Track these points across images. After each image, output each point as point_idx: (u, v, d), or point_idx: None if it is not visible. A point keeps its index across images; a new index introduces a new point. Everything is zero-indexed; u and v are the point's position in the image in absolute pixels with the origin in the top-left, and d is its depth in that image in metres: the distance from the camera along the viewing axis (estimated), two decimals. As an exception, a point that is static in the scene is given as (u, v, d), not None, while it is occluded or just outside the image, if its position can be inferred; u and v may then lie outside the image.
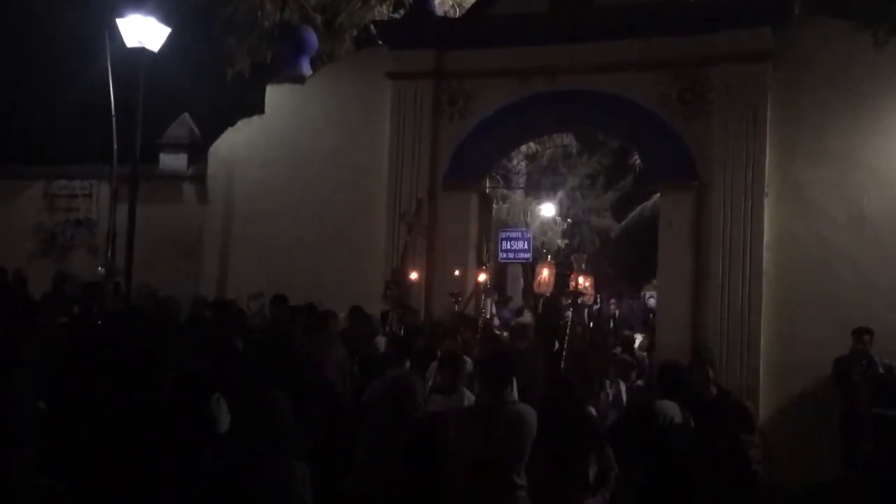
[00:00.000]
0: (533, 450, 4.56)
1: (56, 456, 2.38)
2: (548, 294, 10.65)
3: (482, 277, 8.84)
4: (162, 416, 3.11)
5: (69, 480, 2.10)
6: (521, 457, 4.54)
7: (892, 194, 8.55)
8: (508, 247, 16.36)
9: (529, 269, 17.78)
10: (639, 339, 10.69)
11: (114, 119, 11.47)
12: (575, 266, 9.37)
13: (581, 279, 9.15)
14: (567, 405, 4.74)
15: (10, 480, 1.99)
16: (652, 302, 20.14)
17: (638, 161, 17.68)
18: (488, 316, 10.55)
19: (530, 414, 4.57)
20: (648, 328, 10.49)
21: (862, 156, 8.67)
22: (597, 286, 11.36)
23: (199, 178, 11.45)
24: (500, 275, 11.19)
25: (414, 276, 9.11)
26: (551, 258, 11.95)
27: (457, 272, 9.04)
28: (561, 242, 21.90)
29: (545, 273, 10.45)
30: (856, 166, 8.67)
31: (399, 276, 9.17)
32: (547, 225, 21.15)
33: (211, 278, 10.89)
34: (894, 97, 8.60)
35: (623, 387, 6.85)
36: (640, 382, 7.85)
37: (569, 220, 22.10)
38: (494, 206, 15.46)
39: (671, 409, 5.51)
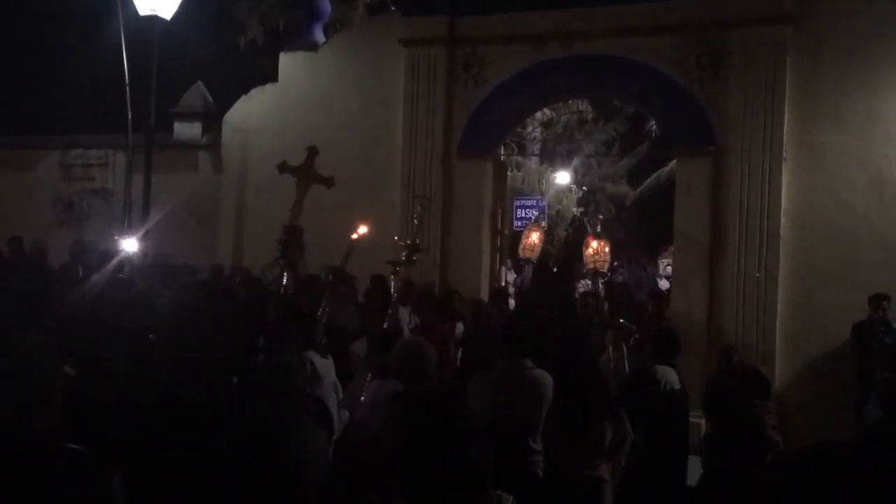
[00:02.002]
0: (549, 415, 4.58)
1: (80, 420, 2.40)
2: (534, 259, 10.09)
3: (362, 230, 7.52)
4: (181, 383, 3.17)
5: (92, 444, 2.12)
6: (537, 422, 4.57)
7: (913, 159, 8.44)
8: (523, 214, 16.35)
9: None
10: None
11: (127, 88, 11.45)
12: (590, 229, 9.10)
13: (595, 244, 8.70)
14: (584, 371, 4.75)
15: (38, 444, 2.01)
16: (668, 269, 20.16)
17: (654, 127, 17.55)
18: (503, 283, 10.56)
19: (547, 379, 4.59)
20: (653, 297, 10.04)
21: (882, 121, 8.55)
22: (614, 252, 10.46)
23: (214, 147, 11.46)
24: (515, 242, 10.84)
25: (357, 233, 7.65)
26: (545, 224, 11.34)
27: (406, 241, 7.88)
28: (576, 210, 21.81)
29: (533, 237, 9.78)
30: (876, 131, 8.56)
31: (293, 234, 7.90)
32: (562, 193, 21.05)
33: (227, 247, 10.94)
34: (916, 61, 8.46)
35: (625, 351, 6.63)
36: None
37: (584, 187, 21.98)
38: (509, 173, 15.42)
39: (669, 374, 5.56)
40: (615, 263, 20.02)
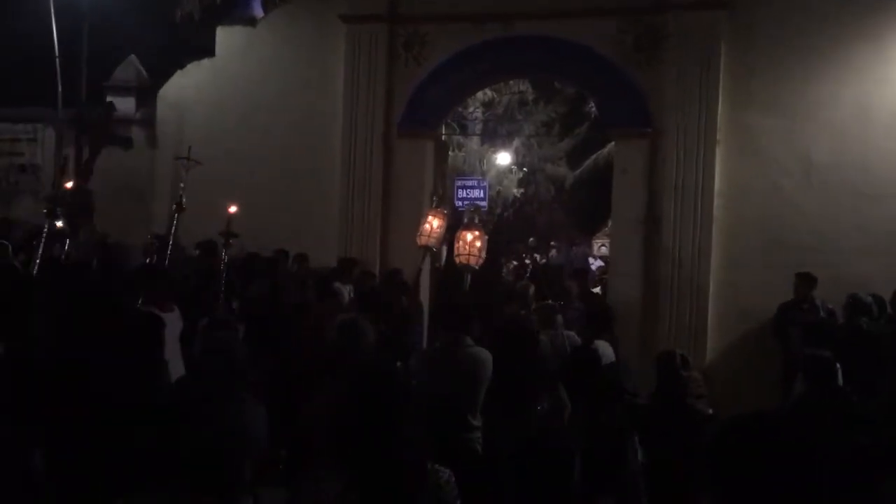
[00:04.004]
0: (488, 392, 4.64)
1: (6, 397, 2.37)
2: (432, 247, 8.68)
3: (233, 209, 7.21)
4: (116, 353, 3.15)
5: (16, 421, 2.10)
6: (476, 398, 4.62)
7: (840, 143, 8.73)
8: (465, 195, 16.38)
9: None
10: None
11: (57, 61, 11.10)
12: (466, 218, 8.39)
13: (470, 236, 7.81)
14: (519, 345, 4.80)
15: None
16: (604, 250, 20.49)
17: (594, 109, 17.73)
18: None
19: (486, 356, 4.64)
20: (575, 276, 9.98)
21: (813, 105, 8.81)
22: (492, 247, 9.31)
23: (149, 123, 11.19)
24: (457, 222, 10.47)
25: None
26: (446, 209, 8.94)
27: (232, 209, 7.44)
28: (517, 191, 21.95)
29: (435, 223, 8.47)
30: (806, 115, 8.82)
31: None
32: (503, 174, 21.15)
33: (162, 223, 10.69)
34: (845, 48, 8.72)
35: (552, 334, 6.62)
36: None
37: (524, 168, 22.11)
38: (450, 153, 15.44)
39: (606, 348, 5.70)
40: (552, 244, 20.30)
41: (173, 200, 8.13)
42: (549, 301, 7.09)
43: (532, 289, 7.65)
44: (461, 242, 7.95)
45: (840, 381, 4.52)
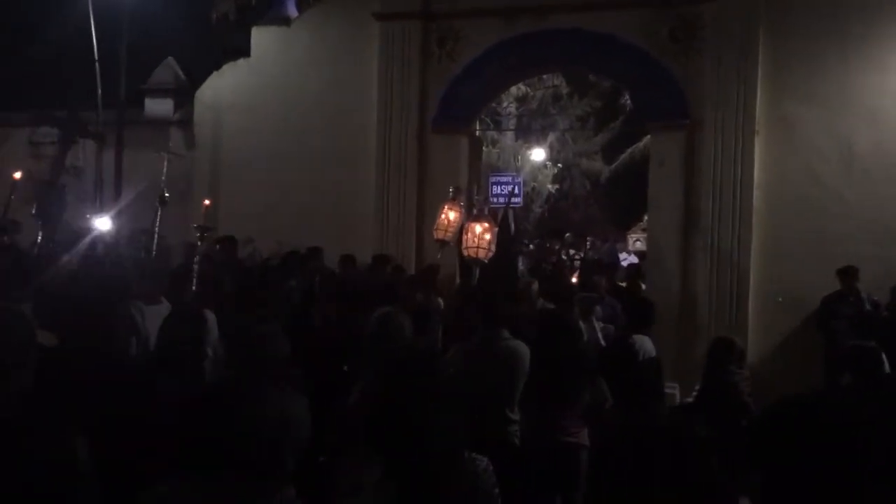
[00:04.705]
0: (527, 384, 4.62)
1: (55, 386, 2.44)
2: (448, 241, 8.40)
3: (206, 202, 7.52)
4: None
5: (64, 409, 2.15)
6: (514, 392, 4.60)
7: (882, 132, 8.54)
8: (499, 191, 16.31)
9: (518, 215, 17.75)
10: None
11: (97, 64, 11.28)
12: (475, 211, 8.08)
13: (479, 228, 7.61)
14: (561, 339, 4.78)
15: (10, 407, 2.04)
16: (639, 245, 20.26)
17: (629, 102, 17.58)
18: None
19: (524, 350, 4.62)
20: (599, 272, 9.81)
21: (853, 94, 8.64)
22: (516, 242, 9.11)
23: (186, 124, 11.32)
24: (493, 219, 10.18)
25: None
26: (463, 202, 8.70)
27: (206, 202, 7.96)
28: (551, 187, 21.86)
29: (452, 216, 8.16)
30: (847, 104, 8.65)
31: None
32: (537, 169, 21.07)
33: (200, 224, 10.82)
34: (886, 35, 8.54)
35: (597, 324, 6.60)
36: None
37: (559, 164, 22.01)
38: (484, 149, 15.40)
39: (646, 343, 5.62)
40: (588, 239, 20.11)
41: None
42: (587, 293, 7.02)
43: (535, 285, 7.18)
44: (469, 234, 7.77)
45: (887, 370, 4.42)
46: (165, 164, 8.06)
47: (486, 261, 7.74)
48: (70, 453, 2.03)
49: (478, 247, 7.68)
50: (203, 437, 1.82)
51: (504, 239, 8.19)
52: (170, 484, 1.86)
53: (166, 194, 7.65)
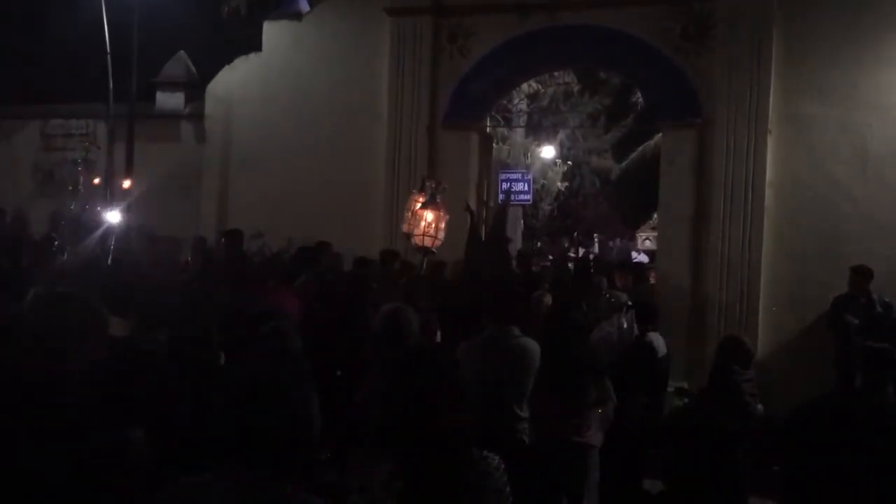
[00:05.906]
0: (536, 383, 4.60)
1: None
2: (433, 249, 7.69)
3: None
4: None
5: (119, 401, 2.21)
6: (523, 389, 4.58)
7: (897, 131, 8.48)
8: (509, 188, 16.26)
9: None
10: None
11: (108, 57, 11.33)
12: (427, 198, 7.47)
13: (431, 216, 7.13)
14: (569, 337, 4.76)
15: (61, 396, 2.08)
16: (648, 244, 20.20)
17: (640, 100, 17.51)
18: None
19: (534, 347, 4.60)
20: (618, 271, 9.62)
21: (867, 92, 8.56)
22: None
23: (197, 117, 11.34)
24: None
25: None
26: (440, 199, 7.69)
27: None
28: (561, 185, 21.80)
29: (429, 218, 7.42)
30: (860, 103, 8.57)
31: None
32: (547, 166, 21.02)
33: (210, 217, 10.85)
34: (902, 32, 8.46)
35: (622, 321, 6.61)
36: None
37: (569, 161, 21.94)
38: (494, 146, 15.36)
39: (658, 340, 5.62)
40: (596, 237, 20.08)
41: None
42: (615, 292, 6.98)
43: (548, 298, 6.60)
44: (423, 222, 7.32)
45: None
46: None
47: (434, 251, 7.45)
48: (122, 443, 2.05)
49: (425, 234, 7.34)
50: (248, 428, 1.83)
51: (498, 237, 8.09)
52: (190, 476, 1.87)
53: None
